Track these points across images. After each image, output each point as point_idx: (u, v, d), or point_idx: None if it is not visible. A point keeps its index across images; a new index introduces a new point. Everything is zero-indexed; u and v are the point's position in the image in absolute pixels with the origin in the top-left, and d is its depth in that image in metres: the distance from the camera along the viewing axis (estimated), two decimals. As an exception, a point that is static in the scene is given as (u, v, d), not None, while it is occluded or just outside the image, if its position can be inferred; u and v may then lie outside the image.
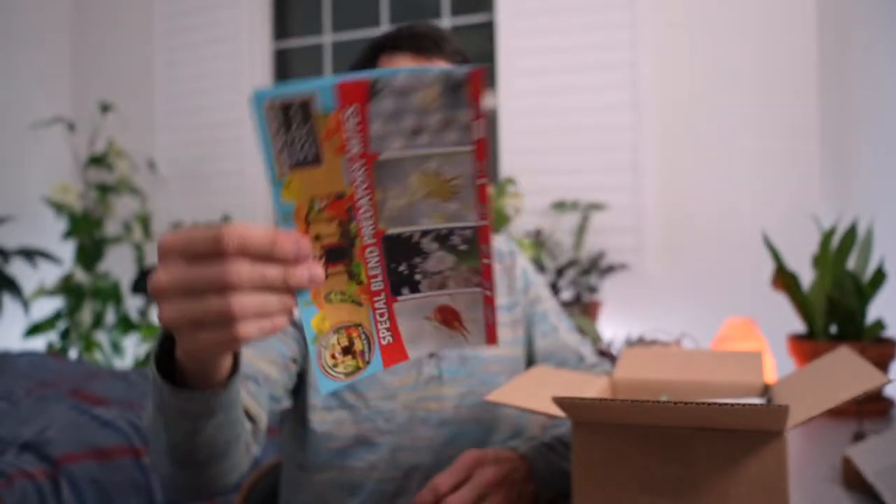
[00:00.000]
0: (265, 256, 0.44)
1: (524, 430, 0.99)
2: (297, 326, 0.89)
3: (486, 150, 0.50)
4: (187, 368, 0.52)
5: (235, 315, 0.43)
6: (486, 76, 0.46)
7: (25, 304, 2.58)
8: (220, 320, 0.43)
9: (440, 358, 0.93)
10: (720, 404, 0.52)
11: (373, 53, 0.92)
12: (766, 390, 0.74)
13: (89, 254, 2.77)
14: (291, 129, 0.45)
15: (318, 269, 0.47)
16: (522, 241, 2.54)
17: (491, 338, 0.56)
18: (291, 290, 0.46)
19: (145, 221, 2.90)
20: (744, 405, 0.52)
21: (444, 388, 0.92)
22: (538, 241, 2.59)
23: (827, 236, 1.16)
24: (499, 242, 1.06)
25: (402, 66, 0.88)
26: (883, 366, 1.07)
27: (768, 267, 2.45)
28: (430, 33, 0.90)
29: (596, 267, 2.53)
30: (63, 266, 2.86)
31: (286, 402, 0.94)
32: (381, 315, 0.54)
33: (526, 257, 1.08)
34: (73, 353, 2.80)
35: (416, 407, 0.91)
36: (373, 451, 0.89)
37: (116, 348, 2.80)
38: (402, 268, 0.53)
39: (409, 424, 0.90)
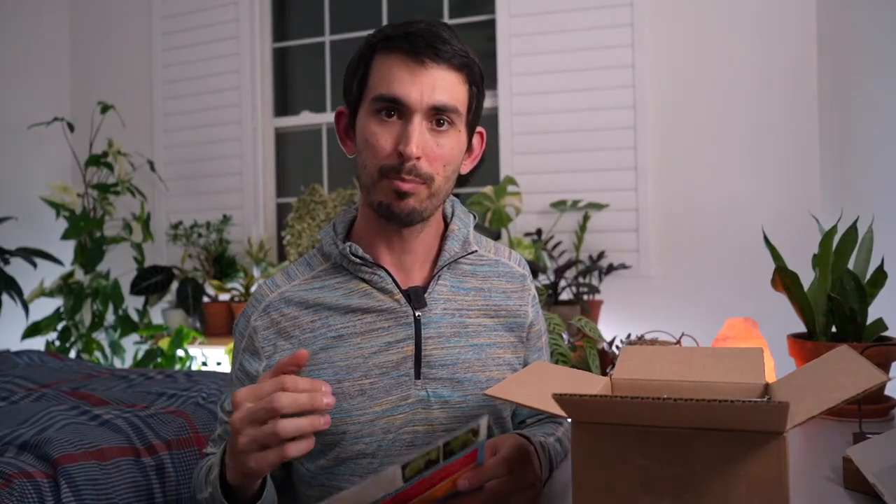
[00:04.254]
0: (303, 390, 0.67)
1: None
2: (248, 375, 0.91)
3: None
4: (238, 488, 0.76)
5: (282, 436, 0.65)
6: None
7: (25, 305, 2.58)
8: (274, 440, 0.66)
9: (429, 380, 0.89)
10: (720, 401, 0.52)
11: (368, 53, 0.86)
12: (766, 390, 0.74)
13: (89, 254, 2.77)
14: None
15: (332, 399, 0.68)
16: (522, 240, 2.54)
17: None
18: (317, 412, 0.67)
19: (145, 221, 2.90)
20: (744, 402, 0.52)
21: (433, 412, 0.88)
22: (538, 241, 2.59)
23: (827, 236, 1.16)
24: (513, 261, 1.00)
25: (395, 69, 0.83)
26: (884, 366, 1.07)
27: (768, 267, 2.44)
28: (425, 33, 0.83)
29: (596, 267, 2.53)
30: (63, 266, 2.86)
31: None
32: None
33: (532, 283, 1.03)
34: (72, 353, 2.80)
35: (401, 430, 0.87)
36: (356, 472, 0.88)
37: (116, 348, 2.80)
38: None
39: (392, 447, 0.88)
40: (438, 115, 0.84)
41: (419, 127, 0.82)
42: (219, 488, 0.77)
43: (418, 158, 0.82)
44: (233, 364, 0.95)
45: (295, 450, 0.67)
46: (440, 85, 0.83)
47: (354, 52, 0.89)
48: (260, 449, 0.67)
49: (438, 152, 0.84)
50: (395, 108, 0.83)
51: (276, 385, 0.67)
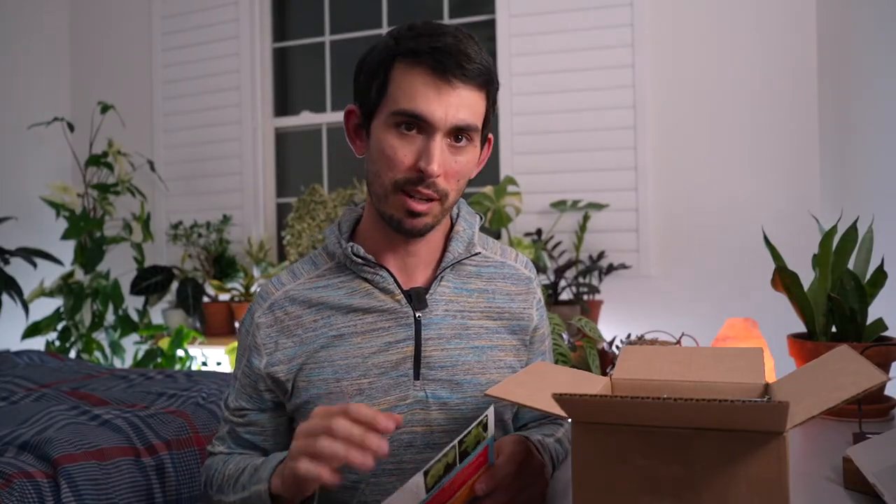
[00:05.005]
0: (364, 423, 0.69)
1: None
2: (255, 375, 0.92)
3: None
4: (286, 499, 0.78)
5: (321, 453, 0.69)
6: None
7: (25, 305, 2.58)
8: (319, 455, 0.69)
9: (428, 381, 0.88)
10: (720, 401, 0.52)
11: (390, 59, 0.84)
12: (766, 390, 0.74)
13: (89, 254, 2.77)
14: None
15: (385, 446, 0.69)
16: (522, 240, 2.54)
17: None
18: (370, 452, 0.69)
19: (145, 221, 2.90)
20: (744, 402, 0.52)
21: (432, 413, 0.88)
22: (538, 241, 2.59)
23: (827, 236, 1.16)
24: (519, 264, 1.00)
25: (420, 85, 0.81)
26: (884, 366, 1.07)
27: (768, 267, 2.44)
28: (453, 50, 0.80)
29: (596, 267, 2.53)
30: (63, 266, 2.86)
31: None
32: None
33: (538, 285, 1.02)
34: (72, 353, 2.80)
35: (399, 430, 0.87)
36: (354, 470, 0.87)
37: (116, 348, 2.80)
38: None
39: (391, 448, 0.86)
40: (458, 133, 0.83)
41: (440, 145, 0.82)
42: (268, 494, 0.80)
43: (437, 176, 0.82)
44: (238, 361, 0.96)
45: (337, 475, 0.71)
46: (465, 104, 0.82)
47: (373, 53, 0.87)
48: (310, 459, 0.70)
49: (455, 168, 0.84)
50: (416, 124, 0.82)
51: (342, 408, 0.71)
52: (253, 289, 2.91)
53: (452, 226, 0.96)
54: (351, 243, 0.90)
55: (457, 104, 0.81)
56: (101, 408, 1.42)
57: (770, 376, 1.19)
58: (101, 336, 2.92)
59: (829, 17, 2.37)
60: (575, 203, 2.60)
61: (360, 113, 0.90)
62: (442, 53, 0.80)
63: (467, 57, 0.81)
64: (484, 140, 0.91)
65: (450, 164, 0.84)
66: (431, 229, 0.88)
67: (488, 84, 0.85)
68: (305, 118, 3.21)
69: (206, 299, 2.98)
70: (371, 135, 0.87)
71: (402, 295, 0.89)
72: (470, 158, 0.86)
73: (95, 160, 2.85)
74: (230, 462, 0.92)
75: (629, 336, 1.60)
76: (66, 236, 2.73)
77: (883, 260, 1.17)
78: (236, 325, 2.94)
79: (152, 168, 3.03)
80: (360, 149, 0.91)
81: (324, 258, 0.95)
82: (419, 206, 0.83)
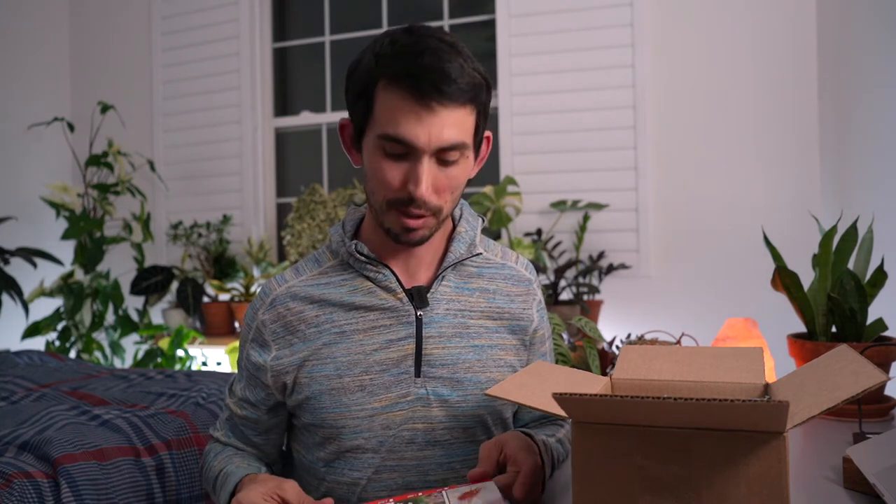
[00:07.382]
0: None
1: None
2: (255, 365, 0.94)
3: None
4: None
5: None
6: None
7: (25, 305, 2.58)
8: None
9: (428, 379, 0.89)
10: (720, 401, 0.52)
11: (371, 81, 0.82)
12: (766, 389, 0.74)
13: (89, 254, 2.77)
14: None
15: None
16: (522, 240, 2.54)
17: None
18: None
19: (145, 221, 2.90)
20: (744, 401, 0.52)
21: (433, 411, 0.89)
22: (538, 241, 2.59)
23: (827, 236, 1.16)
24: (520, 266, 1.00)
25: (399, 112, 0.79)
26: (884, 366, 1.07)
27: (768, 267, 2.45)
28: (429, 72, 0.77)
29: (596, 267, 2.53)
30: (63, 266, 2.86)
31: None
32: None
33: (539, 285, 1.03)
34: (72, 353, 2.80)
35: (400, 427, 0.88)
36: (355, 467, 0.90)
37: (116, 348, 2.80)
38: None
39: (393, 445, 0.89)
40: (447, 152, 0.82)
41: (427, 166, 0.82)
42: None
43: (426, 199, 0.83)
44: (240, 353, 0.98)
45: None
46: (448, 124, 0.80)
47: (357, 70, 0.85)
48: None
49: (447, 183, 0.84)
50: (403, 147, 0.81)
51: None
52: (253, 288, 2.91)
53: (455, 226, 0.96)
54: (355, 241, 0.91)
55: (440, 125, 0.80)
56: (101, 408, 1.42)
57: (770, 376, 1.19)
58: (101, 336, 2.92)
59: (829, 17, 2.37)
60: (575, 203, 2.60)
61: (352, 128, 0.90)
62: (418, 79, 0.78)
63: (447, 78, 0.78)
64: (478, 147, 0.90)
65: (440, 182, 0.84)
66: (430, 238, 0.89)
67: (474, 99, 0.82)
68: (305, 118, 3.21)
69: (206, 299, 2.98)
70: (363, 151, 0.87)
71: (403, 293, 0.90)
72: (462, 170, 0.86)
73: (95, 160, 2.85)
74: (219, 455, 0.97)
75: (629, 336, 1.60)
76: (66, 236, 2.73)
77: (883, 260, 1.17)
78: (236, 325, 2.94)
79: (152, 168, 3.03)
80: (356, 160, 0.92)
81: (327, 256, 0.96)
82: (413, 223, 0.85)
